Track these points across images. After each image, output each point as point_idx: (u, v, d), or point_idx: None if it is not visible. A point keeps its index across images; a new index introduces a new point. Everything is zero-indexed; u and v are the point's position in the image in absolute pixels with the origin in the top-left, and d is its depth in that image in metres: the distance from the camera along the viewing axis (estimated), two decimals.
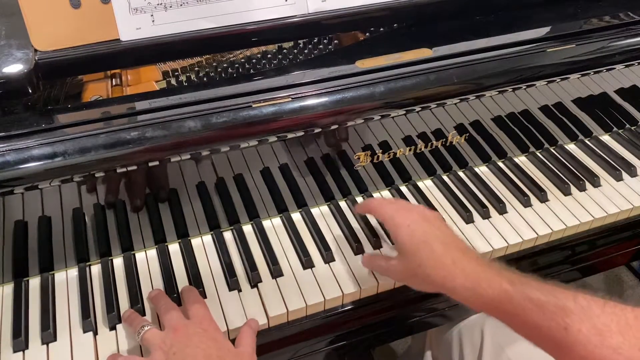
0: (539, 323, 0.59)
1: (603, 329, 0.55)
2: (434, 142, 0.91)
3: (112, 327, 0.73)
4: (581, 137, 1.05)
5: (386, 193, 0.93)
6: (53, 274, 0.80)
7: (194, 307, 0.70)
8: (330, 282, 0.78)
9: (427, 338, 1.05)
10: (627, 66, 0.94)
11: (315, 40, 0.89)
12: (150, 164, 0.73)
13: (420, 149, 0.91)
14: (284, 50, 0.87)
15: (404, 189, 0.94)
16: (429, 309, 0.85)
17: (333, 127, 0.80)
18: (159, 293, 0.75)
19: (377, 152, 0.88)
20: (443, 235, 0.69)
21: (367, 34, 0.91)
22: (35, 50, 0.74)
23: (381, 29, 0.91)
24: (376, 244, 0.83)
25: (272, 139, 0.78)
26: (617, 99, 1.01)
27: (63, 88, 0.77)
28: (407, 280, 0.72)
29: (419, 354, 1.07)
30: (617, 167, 0.98)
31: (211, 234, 0.86)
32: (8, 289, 0.78)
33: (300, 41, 0.88)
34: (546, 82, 0.90)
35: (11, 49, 0.75)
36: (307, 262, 0.81)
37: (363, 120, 0.82)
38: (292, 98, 0.77)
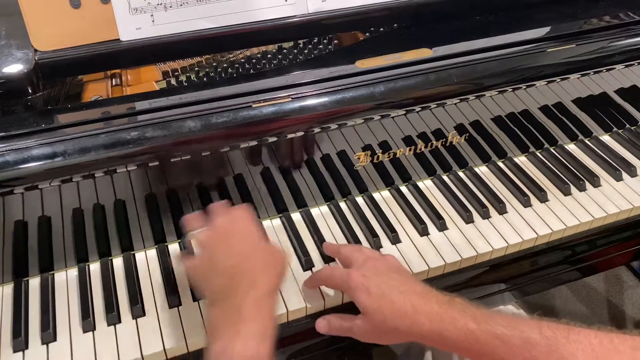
0: (507, 359, 0.59)
1: (569, 358, 0.56)
2: (434, 142, 0.91)
3: (112, 327, 0.73)
4: (581, 137, 1.05)
5: (386, 193, 0.93)
6: (53, 274, 0.80)
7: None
8: None
9: None
10: (627, 66, 0.94)
11: (315, 40, 0.89)
12: (150, 164, 0.73)
13: (420, 149, 0.91)
14: (284, 50, 0.87)
15: (403, 189, 0.94)
16: None
17: (333, 127, 0.80)
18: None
19: (377, 152, 0.88)
20: (398, 284, 0.67)
21: (367, 34, 0.91)
22: (35, 50, 0.74)
23: (381, 29, 0.91)
24: (376, 244, 0.83)
25: (272, 139, 0.78)
26: (617, 99, 1.01)
27: (63, 88, 0.77)
28: (377, 339, 0.69)
29: (419, 354, 1.07)
30: (617, 167, 0.98)
31: None
32: (8, 289, 0.78)
33: (300, 41, 0.88)
34: (546, 82, 0.90)
35: (11, 49, 0.75)
36: (306, 263, 0.81)
37: (363, 120, 0.82)
38: (292, 98, 0.77)
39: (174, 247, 0.84)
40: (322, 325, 0.73)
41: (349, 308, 0.72)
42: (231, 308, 0.58)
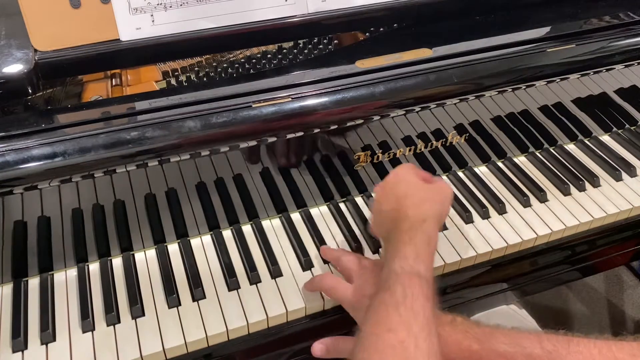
0: None
1: None
2: (434, 142, 0.91)
3: (111, 327, 0.73)
4: (581, 137, 1.05)
5: None
6: (52, 274, 0.80)
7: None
8: None
9: None
10: (627, 66, 0.94)
11: (315, 40, 0.89)
12: (150, 164, 0.73)
13: (420, 149, 0.91)
14: (284, 50, 0.87)
15: None
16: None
17: (333, 127, 0.80)
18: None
19: (377, 152, 0.88)
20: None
21: (367, 34, 0.91)
22: (35, 50, 0.74)
23: (381, 29, 0.91)
24: (375, 245, 0.83)
25: (272, 139, 0.78)
26: (617, 99, 1.01)
27: (63, 88, 0.77)
28: None
29: None
30: (617, 167, 0.98)
31: (210, 234, 0.86)
32: (7, 289, 0.78)
33: (300, 41, 0.88)
34: (546, 82, 0.90)
35: (11, 49, 0.75)
36: (306, 263, 0.81)
37: (363, 120, 0.82)
38: (292, 98, 0.77)
39: (173, 247, 0.84)
40: (319, 349, 0.72)
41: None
42: (392, 242, 0.67)
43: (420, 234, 0.65)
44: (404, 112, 0.83)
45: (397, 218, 0.68)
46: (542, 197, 0.92)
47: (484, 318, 0.91)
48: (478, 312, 0.92)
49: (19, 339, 0.71)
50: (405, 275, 0.61)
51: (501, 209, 0.90)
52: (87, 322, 0.73)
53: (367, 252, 0.83)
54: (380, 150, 0.88)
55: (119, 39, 0.77)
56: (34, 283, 0.78)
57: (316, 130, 0.80)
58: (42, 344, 0.71)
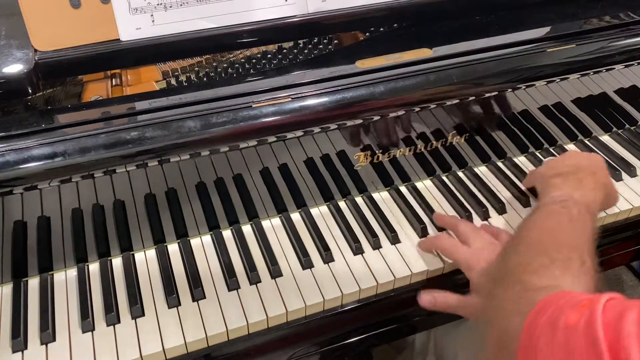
0: None
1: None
2: (434, 142, 0.91)
3: (111, 327, 0.73)
4: (581, 137, 1.05)
5: (385, 194, 0.93)
6: (52, 274, 0.80)
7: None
8: (330, 283, 0.78)
9: (431, 335, 1.04)
10: (627, 66, 0.94)
11: (315, 40, 0.89)
12: (150, 164, 0.73)
13: (420, 149, 0.91)
14: (284, 50, 0.87)
15: (403, 189, 0.94)
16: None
17: (333, 127, 0.80)
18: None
19: (376, 152, 0.88)
20: None
21: (367, 34, 0.91)
22: (35, 50, 0.74)
23: (381, 29, 0.91)
24: (375, 244, 0.83)
25: (272, 139, 0.78)
26: (617, 99, 1.01)
27: (63, 88, 0.77)
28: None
29: (421, 353, 1.07)
30: (617, 167, 0.98)
31: (210, 234, 0.86)
32: (7, 289, 0.78)
33: (300, 41, 0.88)
34: (546, 82, 0.90)
35: (11, 49, 0.75)
36: (306, 263, 0.81)
37: (363, 120, 0.82)
38: (292, 98, 0.77)
39: (173, 248, 0.84)
40: (427, 300, 0.76)
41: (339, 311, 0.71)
42: (558, 185, 0.76)
43: (589, 190, 0.74)
44: (404, 112, 0.83)
45: (570, 173, 0.77)
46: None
47: None
48: None
49: (18, 339, 0.71)
50: (571, 201, 0.70)
51: (501, 209, 0.90)
52: (87, 322, 0.73)
53: (368, 250, 0.83)
54: (380, 150, 0.88)
55: (119, 39, 0.77)
56: (33, 283, 0.78)
57: (316, 130, 0.80)
58: (41, 344, 0.71)
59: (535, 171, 0.88)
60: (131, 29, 0.77)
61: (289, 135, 0.78)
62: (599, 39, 0.91)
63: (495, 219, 0.89)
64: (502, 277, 0.62)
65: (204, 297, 0.76)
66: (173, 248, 0.84)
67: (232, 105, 0.75)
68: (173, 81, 0.82)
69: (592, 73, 0.92)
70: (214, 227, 0.86)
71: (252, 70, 0.83)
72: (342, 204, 0.91)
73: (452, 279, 0.82)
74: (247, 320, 0.73)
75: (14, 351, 0.70)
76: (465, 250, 0.77)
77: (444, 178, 0.96)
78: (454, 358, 0.95)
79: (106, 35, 0.76)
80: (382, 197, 0.93)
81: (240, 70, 0.84)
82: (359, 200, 0.92)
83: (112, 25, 0.76)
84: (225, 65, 0.85)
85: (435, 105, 0.85)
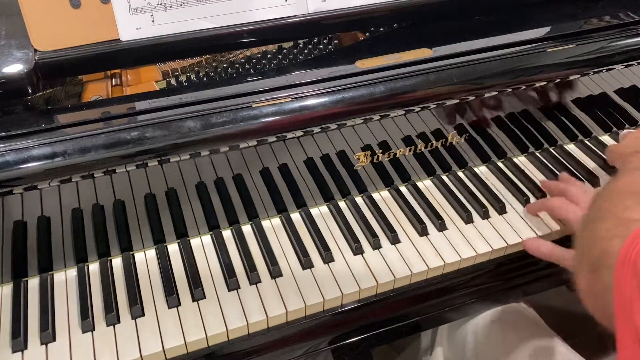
0: None
1: None
2: (434, 142, 0.91)
3: (111, 328, 0.73)
4: (581, 137, 1.05)
5: (385, 193, 0.93)
6: (52, 274, 0.80)
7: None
8: (330, 283, 0.78)
9: (437, 334, 1.04)
10: (627, 66, 0.94)
11: (315, 40, 0.89)
12: (150, 164, 0.73)
13: (420, 149, 0.91)
14: (284, 50, 0.87)
15: (403, 189, 0.94)
16: (437, 305, 0.85)
17: (333, 127, 0.80)
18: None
19: (377, 152, 0.88)
20: None
21: (367, 34, 0.91)
22: (35, 50, 0.74)
23: (381, 29, 0.91)
24: (375, 244, 0.83)
25: (272, 139, 0.78)
26: (617, 99, 1.01)
27: (63, 88, 0.77)
28: None
29: (427, 351, 1.07)
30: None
31: (210, 234, 0.86)
32: (7, 289, 0.78)
33: (300, 41, 0.88)
34: (546, 82, 0.90)
35: (11, 49, 0.75)
36: (306, 263, 0.81)
37: (363, 120, 0.82)
38: (292, 98, 0.77)
39: (173, 248, 0.84)
40: (533, 245, 0.82)
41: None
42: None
43: None
44: (404, 112, 0.83)
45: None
46: (542, 197, 0.92)
47: (494, 315, 0.91)
48: (490, 308, 0.92)
49: (18, 339, 0.71)
50: None
51: (501, 209, 0.90)
52: (86, 322, 0.73)
53: (368, 250, 0.83)
54: (380, 150, 0.88)
55: (119, 39, 0.77)
56: (33, 283, 0.78)
57: (316, 130, 0.80)
58: (41, 344, 0.71)
59: (613, 150, 0.86)
60: (131, 29, 0.77)
61: (289, 135, 0.78)
62: (599, 39, 0.91)
63: (496, 219, 0.89)
64: (597, 216, 0.64)
65: (204, 297, 0.76)
66: (173, 248, 0.84)
67: (232, 105, 0.74)
68: (173, 81, 0.83)
69: (592, 73, 0.92)
70: (214, 227, 0.86)
71: (252, 70, 0.83)
72: (342, 204, 0.91)
73: (452, 279, 0.82)
74: (247, 320, 0.73)
75: (14, 351, 0.70)
76: (575, 209, 0.80)
77: (444, 178, 0.96)
78: (463, 344, 0.94)
79: (106, 35, 0.76)
80: (382, 197, 0.93)
81: (240, 70, 0.84)
82: (359, 200, 0.92)
83: (112, 25, 0.76)
84: (225, 65, 0.85)
85: (435, 105, 0.85)
